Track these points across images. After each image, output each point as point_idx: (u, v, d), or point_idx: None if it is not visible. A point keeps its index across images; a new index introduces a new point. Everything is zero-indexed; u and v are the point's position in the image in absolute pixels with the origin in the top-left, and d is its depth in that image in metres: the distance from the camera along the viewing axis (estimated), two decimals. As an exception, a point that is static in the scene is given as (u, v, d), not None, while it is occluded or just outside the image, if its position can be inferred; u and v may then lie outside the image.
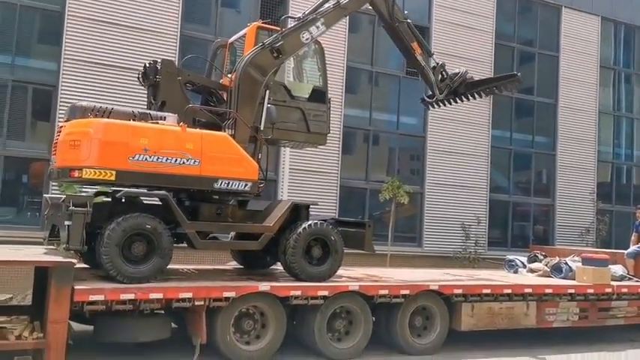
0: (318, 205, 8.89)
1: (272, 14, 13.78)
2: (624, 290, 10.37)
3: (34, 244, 8.46)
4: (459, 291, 8.83)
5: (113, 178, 7.00)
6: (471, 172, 16.11)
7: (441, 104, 10.62)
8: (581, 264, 10.56)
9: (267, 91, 8.46)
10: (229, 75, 9.12)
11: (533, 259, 11.63)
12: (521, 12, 17.71)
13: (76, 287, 6.46)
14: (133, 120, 7.47)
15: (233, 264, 10.33)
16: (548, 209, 17.89)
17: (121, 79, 12.18)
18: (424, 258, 15.09)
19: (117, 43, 12.40)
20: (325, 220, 8.67)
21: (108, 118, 7.38)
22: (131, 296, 6.72)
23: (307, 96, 9.24)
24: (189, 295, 7.00)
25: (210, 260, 11.49)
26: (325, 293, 7.83)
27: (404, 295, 8.39)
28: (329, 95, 9.53)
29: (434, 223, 15.72)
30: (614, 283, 10.38)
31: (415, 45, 9.89)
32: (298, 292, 7.66)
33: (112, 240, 6.86)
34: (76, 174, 6.98)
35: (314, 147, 10.02)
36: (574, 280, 10.40)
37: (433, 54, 10.20)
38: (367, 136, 15.44)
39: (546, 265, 11.15)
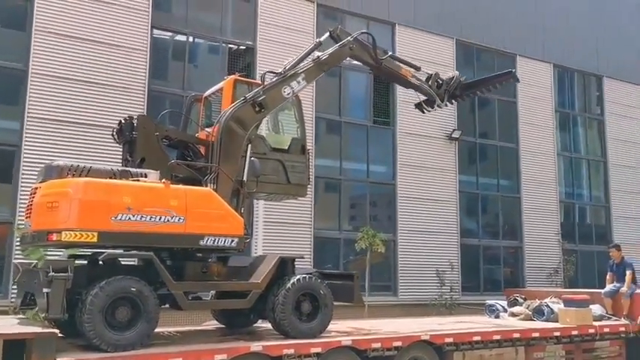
0: (303, 258, 8.66)
1: (239, 68, 13.82)
2: (606, 330, 10.46)
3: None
4: (450, 340, 8.69)
5: (95, 239, 6.63)
6: (442, 217, 16.25)
7: (437, 107, 11.00)
8: (562, 306, 10.61)
9: (249, 145, 8.34)
10: (207, 129, 8.99)
11: (513, 303, 11.63)
12: (478, 59, 18.34)
13: None
14: (113, 178, 7.19)
15: (213, 323, 9.91)
16: (516, 251, 18.13)
17: (87, 136, 11.89)
18: (400, 307, 14.94)
19: (82, 100, 12.15)
20: (312, 274, 8.46)
21: (86, 177, 7.08)
22: (117, 366, 6.29)
23: (286, 147, 9.18)
24: (178, 360, 6.61)
25: (186, 321, 10.99)
26: (318, 350, 7.55)
27: (396, 347, 8.18)
28: (307, 146, 9.51)
29: (408, 270, 15.67)
30: (596, 324, 10.45)
31: (404, 71, 10.19)
32: (291, 351, 7.36)
33: (95, 306, 6.45)
34: (55, 237, 6.59)
35: (294, 199, 9.88)
36: (556, 322, 10.42)
37: (420, 68, 10.44)
38: (338, 186, 15.44)
39: (527, 308, 11.16)
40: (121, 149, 8.51)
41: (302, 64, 9.02)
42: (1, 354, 6.96)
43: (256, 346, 7.19)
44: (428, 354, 8.62)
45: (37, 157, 11.15)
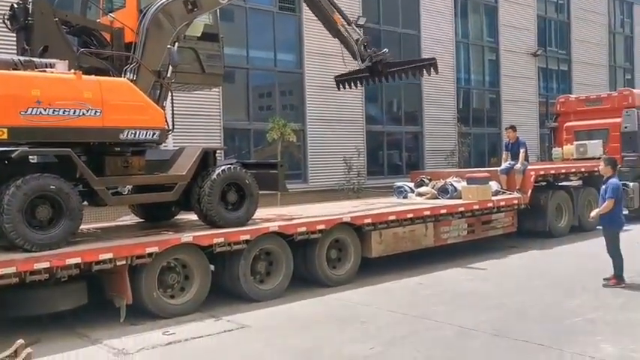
0: (226, 148, 8.58)
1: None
2: (502, 203, 11.48)
3: None
4: (369, 220, 9.18)
5: (5, 136, 6.21)
6: (348, 105, 16.47)
7: (352, 85, 11.31)
8: (465, 184, 11.43)
9: (176, 43, 7.87)
10: (111, 15, 8.32)
11: (420, 184, 12.36)
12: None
13: (-20, 262, 5.72)
14: (16, 69, 6.57)
15: (130, 218, 9.77)
16: (416, 136, 18.98)
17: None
18: (310, 193, 15.36)
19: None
20: (235, 164, 8.44)
21: (-16, 68, 6.42)
22: (46, 265, 6.11)
23: (199, 35, 8.75)
24: (109, 255, 6.52)
25: (101, 217, 10.72)
26: (247, 237, 7.73)
27: (320, 230, 8.54)
28: (220, 34, 9.12)
29: (317, 158, 16.01)
30: (494, 198, 11.41)
31: (336, 16, 10.03)
32: (221, 240, 7.47)
33: (13, 206, 6.12)
34: (-41, 135, 6.06)
35: (209, 89, 9.60)
36: (459, 199, 11.25)
37: (353, 22, 10.24)
38: (246, 75, 15.06)
39: (433, 188, 11.92)
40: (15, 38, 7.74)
41: None
42: None
43: (187, 237, 7.23)
44: (349, 235, 9.09)
45: None
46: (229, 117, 14.36)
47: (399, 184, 12.81)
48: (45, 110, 6.40)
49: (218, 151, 8.56)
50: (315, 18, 15.75)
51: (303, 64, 15.80)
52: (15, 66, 6.65)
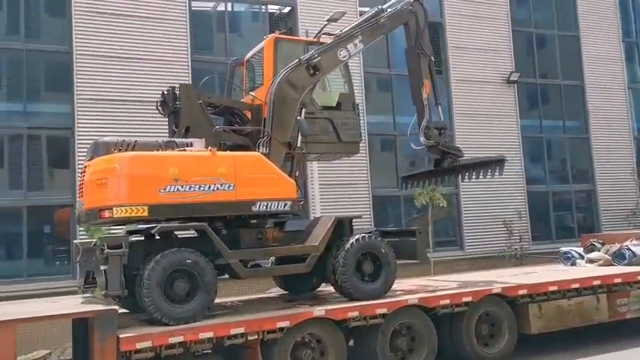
0: (362, 218, 8.33)
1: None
2: (696, 270, 9.65)
3: (69, 293, 8.01)
4: (524, 291, 8.20)
5: (146, 213, 6.54)
6: (505, 166, 15.42)
7: (419, 185, 10.32)
8: (645, 247, 9.88)
9: (303, 109, 8.00)
10: (251, 93, 8.71)
11: (590, 249, 10.93)
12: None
13: (121, 336, 5.96)
14: (159, 150, 7.03)
15: (276, 290, 9.79)
16: (589, 195, 17.15)
17: (136, 112, 11.81)
18: (468, 261, 14.47)
19: (127, 77, 12.05)
20: (372, 233, 8.14)
21: (132, 151, 6.96)
22: (180, 339, 6.18)
23: (335, 105, 8.80)
24: (241, 330, 6.46)
25: (249, 289, 10.94)
26: (384, 310, 7.26)
27: (466, 303, 7.78)
28: (356, 102, 9.10)
29: (473, 223, 15.07)
30: (684, 264, 9.67)
31: (427, 83, 9.20)
32: (356, 313, 7.10)
33: (153, 280, 6.36)
34: (107, 214, 6.54)
35: (348, 157, 9.52)
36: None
37: (440, 104, 9.57)
38: (392, 142, 14.89)
39: (606, 253, 10.46)
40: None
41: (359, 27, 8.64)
42: (71, 330, 7.13)
43: (319, 311, 6.96)
44: (501, 308, 8.18)
45: (90, 137, 11.09)
46: (378, 184, 14.18)
47: (565, 249, 11.46)
48: (182, 187, 6.70)
49: (355, 220, 8.29)
50: (466, 79, 15.61)
51: (452, 126, 15.22)
52: (158, 147, 7.11)
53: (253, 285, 10.61)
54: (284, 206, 7.27)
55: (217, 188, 6.89)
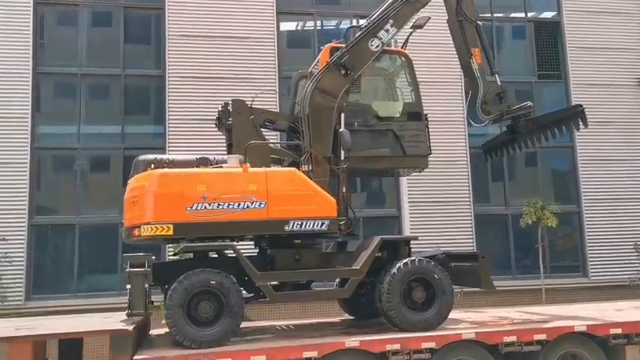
0: (417, 239, 7.49)
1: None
2: None
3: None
4: (618, 330, 6.77)
5: (171, 232, 6.37)
6: (635, 179, 13.41)
7: (504, 153, 8.92)
8: None
9: (342, 115, 7.44)
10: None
11: None
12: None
13: (135, 358, 5.80)
14: (193, 167, 6.88)
15: (346, 316, 9.20)
16: None
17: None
18: (590, 289, 12.69)
19: (218, 97, 12.07)
20: (434, 257, 7.27)
21: (169, 168, 6.88)
22: (193, 365, 5.89)
23: (398, 115, 8.08)
24: (262, 358, 6.00)
25: (320, 313, 10.43)
26: (432, 345, 6.35)
27: (539, 342, 6.59)
28: (424, 111, 8.26)
29: (599, 246, 13.21)
30: None
31: (476, 51, 8.14)
32: (397, 346, 6.29)
33: (175, 301, 6.15)
34: (136, 232, 6.50)
35: (418, 172, 8.71)
36: None
37: (497, 72, 8.35)
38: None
39: None
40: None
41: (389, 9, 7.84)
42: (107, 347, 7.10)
43: (352, 342, 6.27)
44: (589, 349, 6.83)
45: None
46: (481, 201, 12.99)
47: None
48: (210, 205, 6.45)
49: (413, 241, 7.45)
50: (589, 82, 13.83)
51: (573, 136, 13.54)
52: (194, 164, 6.97)
53: (326, 309, 10.11)
54: (321, 225, 6.71)
55: (247, 206, 6.54)
